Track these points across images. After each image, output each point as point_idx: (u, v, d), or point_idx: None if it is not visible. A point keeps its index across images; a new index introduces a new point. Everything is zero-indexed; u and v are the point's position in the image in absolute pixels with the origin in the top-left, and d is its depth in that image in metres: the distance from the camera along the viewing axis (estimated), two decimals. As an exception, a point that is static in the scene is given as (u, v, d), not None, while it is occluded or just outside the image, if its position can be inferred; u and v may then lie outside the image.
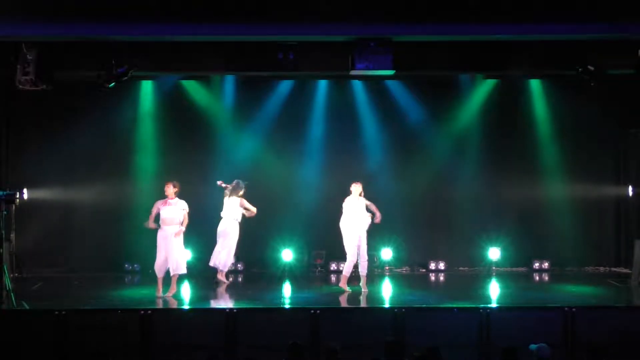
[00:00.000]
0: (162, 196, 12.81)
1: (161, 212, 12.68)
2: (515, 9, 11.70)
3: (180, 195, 12.80)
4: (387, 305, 12.58)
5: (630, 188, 15.82)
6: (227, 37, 12.19)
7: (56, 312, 10.86)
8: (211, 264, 13.79)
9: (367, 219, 13.04)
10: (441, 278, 15.43)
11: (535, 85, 15.90)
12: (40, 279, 14.36)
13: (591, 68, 12.84)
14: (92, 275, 14.92)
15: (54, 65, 12.75)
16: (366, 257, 13.14)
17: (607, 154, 16.29)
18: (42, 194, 15.43)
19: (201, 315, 11.64)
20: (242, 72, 14.25)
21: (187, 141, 15.81)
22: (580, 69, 12.95)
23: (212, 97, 15.98)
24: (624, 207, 16.19)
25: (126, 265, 15.51)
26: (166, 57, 12.98)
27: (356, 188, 13.16)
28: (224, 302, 12.69)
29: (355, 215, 13.04)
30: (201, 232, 14.35)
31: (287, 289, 13.83)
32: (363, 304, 12.66)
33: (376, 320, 11.20)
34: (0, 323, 10.97)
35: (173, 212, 12.65)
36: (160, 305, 12.13)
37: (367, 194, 13.37)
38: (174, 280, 12.61)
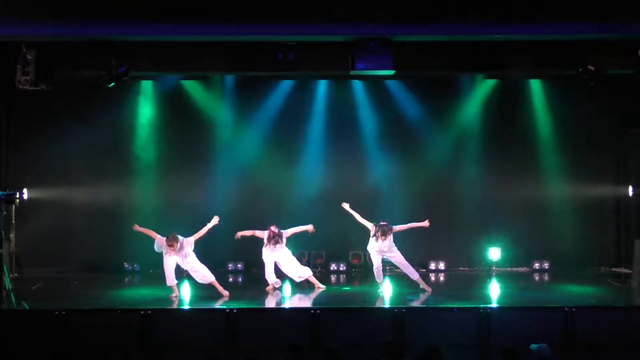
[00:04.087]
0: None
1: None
2: (515, 9, 11.70)
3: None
4: (387, 305, 12.57)
5: (630, 188, 15.81)
6: (227, 37, 12.19)
7: (56, 312, 10.86)
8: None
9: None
10: (441, 278, 15.43)
11: (535, 85, 15.89)
12: (40, 279, 14.36)
13: (591, 68, 12.83)
14: (92, 275, 14.92)
15: (54, 65, 12.73)
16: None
17: (607, 154, 16.27)
18: (42, 194, 15.44)
19: (201, 315, 11.63)
20: (242, 72, 14.25)
21: (187, 141, 15.81)
22: (580, 69, 12.94)
23: (212, 97, 15.97)
24: (624, 207, 16.18)
25: (126, 265, 15.52)
26: (166, 57, 12.98)
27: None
28: (224, 302, 12.68)
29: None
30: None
31: (287, 289, 13.82)
32: (364, 304, 12.67)
33: (376, 320, 11.20)
34: (0, 323, 10.97)
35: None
36: (160, 305, 12.12)
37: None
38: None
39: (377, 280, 13.28)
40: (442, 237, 15.96)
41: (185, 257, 12.72)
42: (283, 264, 13.48)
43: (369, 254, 13.37)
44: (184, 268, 12.89)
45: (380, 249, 13.04)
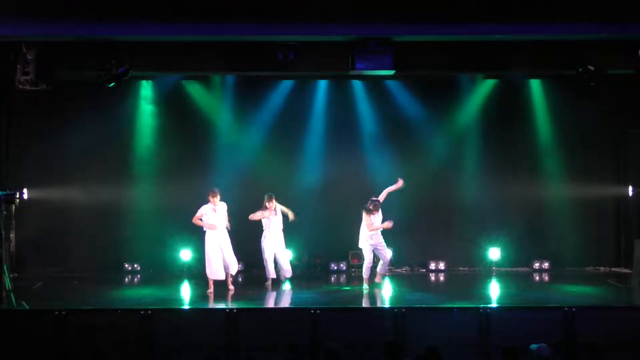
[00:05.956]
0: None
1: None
2: (515, 9, 11.70)
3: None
4: (387, 305, 12.57)
5: (630, 188, 15.82)
6: (227, 37, 12.20)
7: (56, 312, 10.87)
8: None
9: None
10: (441, 278, 15.43)
11: (535, 85, 15.89)
12: (40, 279, 14.36)
13: (591, 68, 12.84)
14: (92, 275, 14.92)
15: (54, 65, 12.75)
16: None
17: (607, 154, 16.25)
18: (42, 194, 15.43)
19: (201, 315, 11.65)
20: (242, 72, 14.26)
21: (186, 141, 15.80)
22: (580, 69, 12.95)
23: (212, 97, 15.97)
24: (624, 207, 16.18)
25: (126, 265, 15.52)
26: (166, 57, 12.99)
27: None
28: (224, 302, 12.69)
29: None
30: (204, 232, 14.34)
31: (287, 289, 13.82)
32: (363, 304, 12.67)
33: (376, 320, 11.21)
34: (0, 323, 10.98)
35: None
36: (160, 305, 12.12)
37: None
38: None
39: (364, 276, 13.46)
40: (442, 237, 15.98)
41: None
42: (280, 256, 13.83)
43: (362, 249, 13.52)
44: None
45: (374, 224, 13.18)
